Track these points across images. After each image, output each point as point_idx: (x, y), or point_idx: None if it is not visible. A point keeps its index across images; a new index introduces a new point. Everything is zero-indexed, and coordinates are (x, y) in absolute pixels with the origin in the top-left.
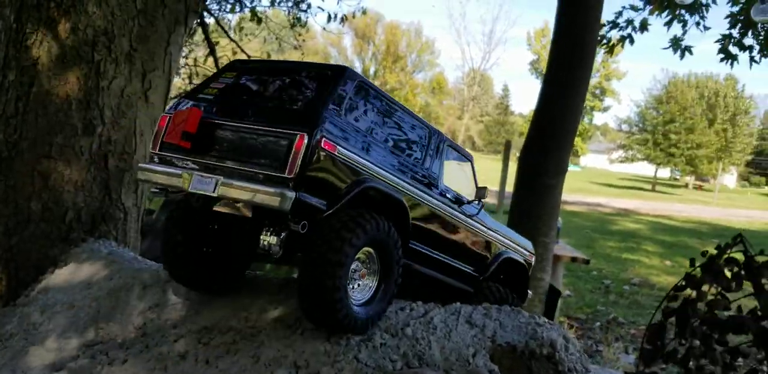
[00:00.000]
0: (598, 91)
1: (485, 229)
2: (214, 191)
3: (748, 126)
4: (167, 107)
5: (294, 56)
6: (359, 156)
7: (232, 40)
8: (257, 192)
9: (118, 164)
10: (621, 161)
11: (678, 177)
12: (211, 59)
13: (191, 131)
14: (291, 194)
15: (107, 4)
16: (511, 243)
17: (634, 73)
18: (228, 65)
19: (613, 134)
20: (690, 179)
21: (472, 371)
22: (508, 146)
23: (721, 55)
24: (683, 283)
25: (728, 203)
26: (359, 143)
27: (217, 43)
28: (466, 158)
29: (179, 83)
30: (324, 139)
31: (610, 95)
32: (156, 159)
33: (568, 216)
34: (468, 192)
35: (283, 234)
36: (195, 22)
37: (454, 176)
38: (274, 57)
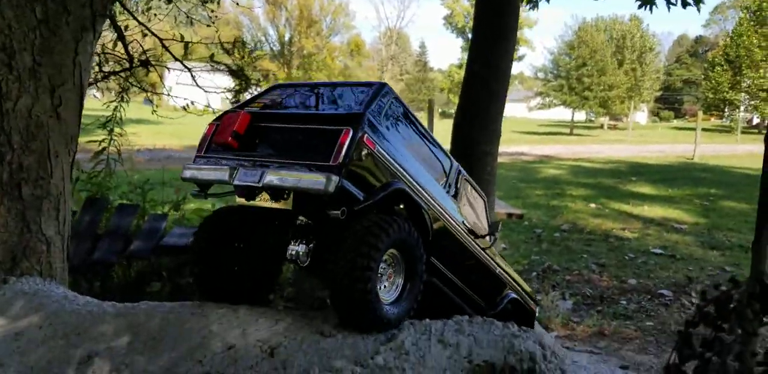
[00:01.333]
0: None
1: (496, 265)
2: (259, 182)
3: (654, 63)
4: (214, 118)
5: (207, 32)
6: (394, 159)
7: (140, 23)
8: (302, 177)
9: (33, 191)
10: (539, 108)
11: (593, 119)
12: (120, 45)
13: (240, 132)
14: (335, 178)
15: (3, 17)
16: (519, 288)
17: (545, 20)
18: (272, 87)
19: (529, 82)
20: (605, 120)
21: None
22: (431, 105)
23: (639, 2)
24: (696, 319)
25: (642, 140)
26: (395, 149)
27: (126, 27)
28: (480, 195)
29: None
30: (366, 135)
31: (524, 43)
32: (202, 160)
33: None
34: (480, 228)
35: (312, 244)
36: None
37: (468, 212)
38: (186, 34)
